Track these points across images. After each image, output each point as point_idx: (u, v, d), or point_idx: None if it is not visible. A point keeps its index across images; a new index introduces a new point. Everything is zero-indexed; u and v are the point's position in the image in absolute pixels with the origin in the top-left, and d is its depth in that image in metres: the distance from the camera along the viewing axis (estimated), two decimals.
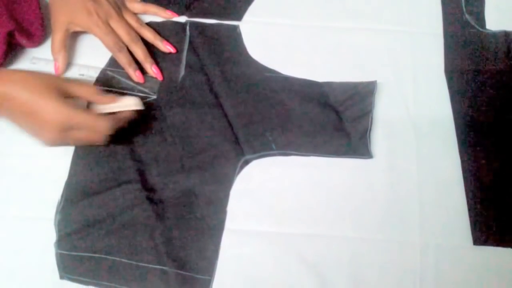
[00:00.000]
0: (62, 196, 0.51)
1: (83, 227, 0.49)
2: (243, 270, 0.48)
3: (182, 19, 0.61)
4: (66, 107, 0.45)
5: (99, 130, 0.47)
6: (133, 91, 0.56)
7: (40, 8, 0.57)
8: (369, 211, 0.51)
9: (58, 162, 0.52)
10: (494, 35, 0.60)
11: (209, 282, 0.48)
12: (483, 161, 0.53)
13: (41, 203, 0.51)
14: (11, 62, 0.57)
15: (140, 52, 0.56)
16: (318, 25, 0.61)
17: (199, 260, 0.48)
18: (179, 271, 0.47)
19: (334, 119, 0.55)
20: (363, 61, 0.59)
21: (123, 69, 0.56)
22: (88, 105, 0.50)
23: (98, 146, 0.51)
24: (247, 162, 0.53)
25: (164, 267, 0.48)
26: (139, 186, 0.51)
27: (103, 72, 0.57)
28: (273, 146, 0.54)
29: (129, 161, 0.52)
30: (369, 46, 0.60)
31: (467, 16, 0.61)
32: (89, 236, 0.49)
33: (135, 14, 0.59)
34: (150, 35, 0.57)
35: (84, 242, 0.49)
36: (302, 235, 0.50)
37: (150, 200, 0.50)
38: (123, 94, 0.55)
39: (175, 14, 0.60)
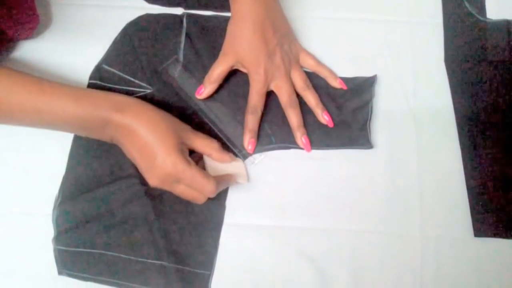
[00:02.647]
0: (59, 191, 0.50)
1: (81, 223, 0.49)
2: (243, 264, 0.48)
3: (179, 11, 0.60)
4: (180, 161, 0.44)
5: (204, 191, 0.46)
6: (129, 86, 0.55)
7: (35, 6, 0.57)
8: (369, 203, 0.51)
9: (56, 158, 0.52)
10: (495, 24, 0.59)
11: (208, 276, 0.48)
12: (484, 152, 0.53)
13: (39, 198, 0.50)
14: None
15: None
16: (316, 16, 0.60)
17: (199, 255, 0.48)
18: (178, 266, 0.47)
19: (334, 111, 0.54)
20: (362, 52, 0.58)
21: (118, 64, 0.56)
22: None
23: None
24: (246, 156, 0.52)
25: (163, 262, 0.47)
26: (137, 180, 0.50)
27: (98, 67, 0.56)
28: (273, 140, 0.53)
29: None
30: (368, 36, 0.59)
31: (467, 5, 0.60)
32: (87, 232, 0.49)
33: (303, 73, 0.55)
34: (312, 101, 0.54)
35: (83, 238, 0.48)
36: (301, 228, 0.50)
37: (149, 194, 0.50)
38: (118, 90, 0.54)
39: (343, 85, 0.56)
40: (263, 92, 0.52)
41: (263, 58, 0.51)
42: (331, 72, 0.56)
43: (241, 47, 0.52)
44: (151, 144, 0.44)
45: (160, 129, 0.45)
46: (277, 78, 0.52)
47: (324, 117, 0.53)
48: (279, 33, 0.53)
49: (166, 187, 0.46)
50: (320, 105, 0.54)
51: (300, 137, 0.53)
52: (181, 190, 0.46)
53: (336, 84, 0.56)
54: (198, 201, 0.47)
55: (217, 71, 0.53)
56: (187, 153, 0.46)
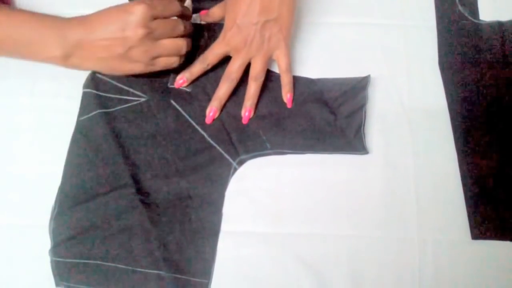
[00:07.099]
0: (55, 202, 0.50)
1: (78, 234, 0.49)
2: (241, 272, 0.48)
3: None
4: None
5: (178, 32, 0.51)
6: (123, 95, 0.55)
7: None
8: (366, 208, 0.51)
9: (51, 169, 0.52)
10: (488, 26, 0.59)
11: (206, 285, 0.47)
12: (480, 154, 0.53)
13: (35, 210, 0.50)
14: None
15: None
16: (310, 21, 0.60)
17: (196, 263, 0.48)
18: (176, 275, 0.47)
19: (328, 116, 0.54)
20: (356, 56, 0.58)
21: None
22: None
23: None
24: (241, 162, 0.52)
25: (160, 272, 0.47)
26: (133, 190, 0.50)
27: (92, 76, 0.56)
28: (267, 145, 0.53)
29: (122, 165, 0.51)
30: (362, 40, 0.59)
31: (460, 7, 0.60)
32: (84, 242, 0.48)
33: None
34: (251, 91, 0.55)
35: (80, 249, 0.48)
36: (299, 234, 0.50)
37: (145, 204, 0.50)
38: (112, 99, 0.55)
39: (290, 103, 0.55)
40: (221, 52, 0.54)
41: (235, 25, 0.52)
42: (290, 83, 0.55)
43: (229, 2, 0.54)
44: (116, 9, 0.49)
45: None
46: (238, 51, 0.53)
47: (245, 114, 0.54)
48: (267, 17, 0.51)
49: (146, 44, 0.49)
50: (250, 101, 0.54)
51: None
52: (159, 42, 0.50)
53: (284, 97, 0.55)
54: (176, 51, 0.52)
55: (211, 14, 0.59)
56: None
